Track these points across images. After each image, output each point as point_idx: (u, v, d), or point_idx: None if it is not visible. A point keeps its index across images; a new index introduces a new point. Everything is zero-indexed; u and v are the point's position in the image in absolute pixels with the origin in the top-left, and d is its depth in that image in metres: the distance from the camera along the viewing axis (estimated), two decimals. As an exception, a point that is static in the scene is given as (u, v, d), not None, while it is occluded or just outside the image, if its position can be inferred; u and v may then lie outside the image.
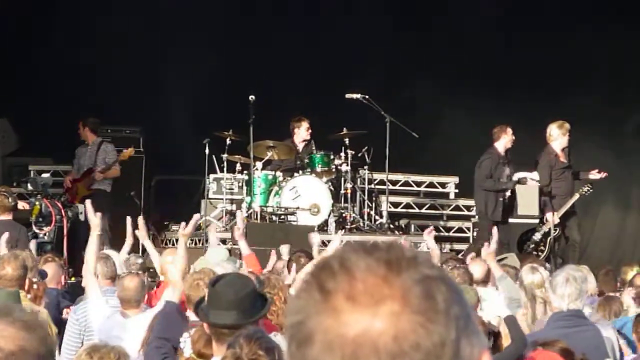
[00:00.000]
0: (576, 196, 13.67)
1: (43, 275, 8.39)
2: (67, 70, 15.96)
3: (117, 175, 14.88)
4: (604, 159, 15.31)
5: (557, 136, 13.72)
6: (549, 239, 13.69)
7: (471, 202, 16.78)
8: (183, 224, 7.42)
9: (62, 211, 12.37)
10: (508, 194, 14.02)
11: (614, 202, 16.62)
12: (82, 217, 13.59)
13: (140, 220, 9.64)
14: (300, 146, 15.15)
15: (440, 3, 16.94)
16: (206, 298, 5.33)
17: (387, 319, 1.73)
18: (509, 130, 13.88)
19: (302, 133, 15.11)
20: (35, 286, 7.74)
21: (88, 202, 8.07)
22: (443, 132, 16.34)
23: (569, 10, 16.56)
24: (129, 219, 9.81)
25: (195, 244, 14.14)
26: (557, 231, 13.69)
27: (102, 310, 7.13)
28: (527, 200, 14.50)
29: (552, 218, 13.60)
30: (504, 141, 13.86)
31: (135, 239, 9.64)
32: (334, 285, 1.75)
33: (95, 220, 7.42)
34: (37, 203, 12.20)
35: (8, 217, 11.23)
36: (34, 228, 12.01)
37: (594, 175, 13.75)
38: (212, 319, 5.19)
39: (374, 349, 1.71)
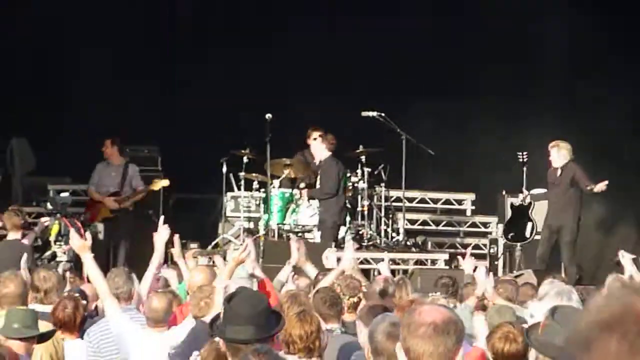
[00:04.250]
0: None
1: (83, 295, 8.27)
2: (85, 89, 16.09)
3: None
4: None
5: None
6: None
7: (488, 219, 16.87)
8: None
9: (82, 230, 12.44)
10: None
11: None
12: (101, 236, 13.74)
13: (176, 238, 9.75)
14: (317, 159, 15.06)
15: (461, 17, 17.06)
16: (222, 314, 5.40)
17: None
18: None
19: (311, 144, 15.20)
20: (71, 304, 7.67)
21: (72, 231, 8.00)
22: (459, 149, 16.37)
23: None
24: (156, 237, 9.93)
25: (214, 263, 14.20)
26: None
27: (127, 326, 7.07)
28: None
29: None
30: None
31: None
32: None
33: (78, 243, 7.33)
34: (56, 222, 12.29)
35: (16, 235, 11.43)
36: (54, 247, 12.08)
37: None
38: (229, 334, 5.25)
39: None
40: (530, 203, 14.62)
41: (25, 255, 9.90)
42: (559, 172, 14.10)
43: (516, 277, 12.75)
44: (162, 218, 8.42)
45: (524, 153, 14.54)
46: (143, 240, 15.09)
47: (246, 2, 17.41)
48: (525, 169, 14.56)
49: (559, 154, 14.10)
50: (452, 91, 16.37)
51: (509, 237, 15.04)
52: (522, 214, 14.82)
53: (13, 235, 11.42)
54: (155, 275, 8.21)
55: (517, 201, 14.86)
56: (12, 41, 16.26)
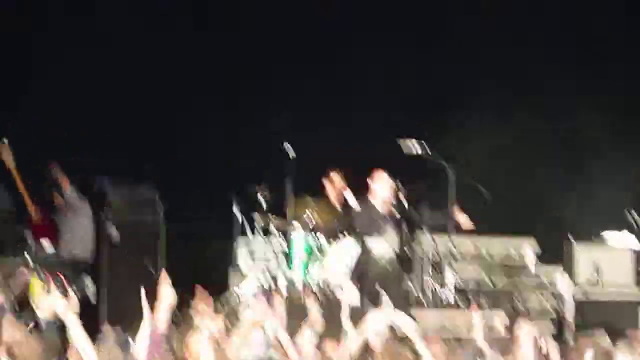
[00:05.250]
0: None
1: None
2: (68, 109, 15.95)
3: None
4: None
5: None
6: None
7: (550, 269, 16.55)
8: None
9: (65, 286, 12.23)
10: None
11: None
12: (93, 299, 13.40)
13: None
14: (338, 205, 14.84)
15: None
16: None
17: None
18: None
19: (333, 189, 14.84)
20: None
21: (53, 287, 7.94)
22: (513, 183, 16.01)
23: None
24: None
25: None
26: None
27: None
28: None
29: None
30: None
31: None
32: None
33: (61, 302, 7.21)
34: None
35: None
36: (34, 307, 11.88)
37: None
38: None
39: None
40: None
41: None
42: None
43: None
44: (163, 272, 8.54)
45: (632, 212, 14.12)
46: (137, 296, 14.89)
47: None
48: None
49: None
50: (507, 112, 16.26)
51: None
52: None
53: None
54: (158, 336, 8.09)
55: None
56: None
